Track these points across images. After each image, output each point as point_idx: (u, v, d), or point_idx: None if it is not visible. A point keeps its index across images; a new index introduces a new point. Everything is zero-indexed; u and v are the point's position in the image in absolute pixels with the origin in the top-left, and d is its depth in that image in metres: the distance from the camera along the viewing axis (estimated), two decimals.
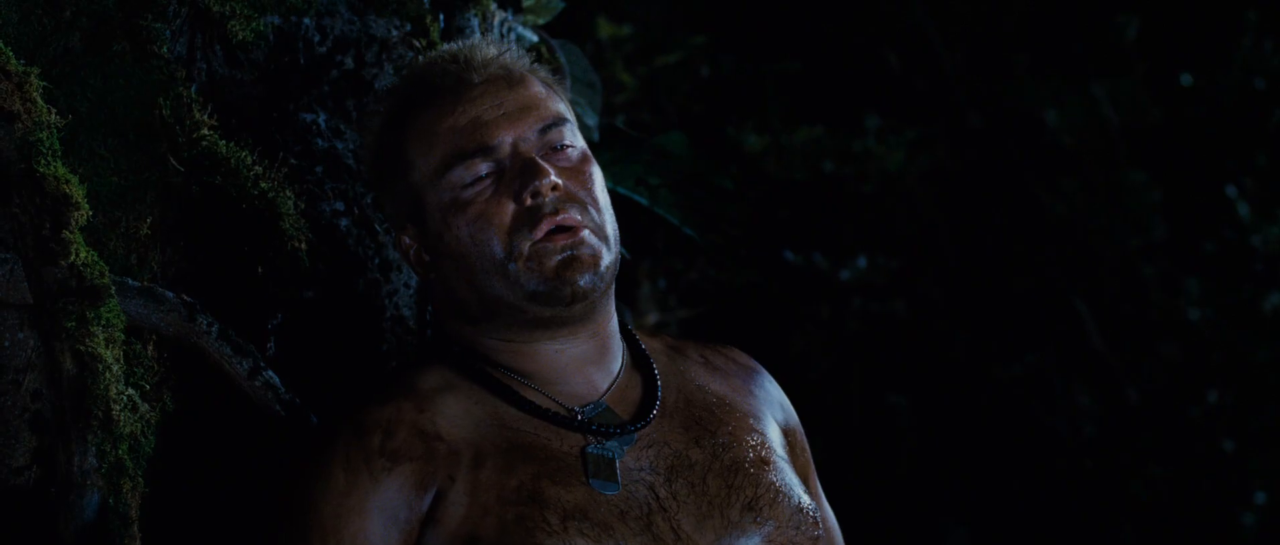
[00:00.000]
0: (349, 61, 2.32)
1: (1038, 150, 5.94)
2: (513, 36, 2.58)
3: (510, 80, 2.01)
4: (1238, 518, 5.54)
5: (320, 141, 2.28)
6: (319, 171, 2.28)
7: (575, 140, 2.01)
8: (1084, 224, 5.78)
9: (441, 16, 2.40)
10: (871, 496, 5.67)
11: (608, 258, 1.98)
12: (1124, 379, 5.72)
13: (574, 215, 1.95)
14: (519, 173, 1.95)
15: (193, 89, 2.14)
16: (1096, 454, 5.69)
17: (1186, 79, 5.93)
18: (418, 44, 2.36)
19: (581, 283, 1.95)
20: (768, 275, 5.66)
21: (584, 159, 2.01)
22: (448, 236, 1.98)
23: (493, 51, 2.03)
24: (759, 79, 5.74)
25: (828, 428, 5.70)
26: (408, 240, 2.04)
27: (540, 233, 1.94)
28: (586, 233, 1.95)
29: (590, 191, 1.99)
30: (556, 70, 2.58)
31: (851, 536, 2.22)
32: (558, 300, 1.95)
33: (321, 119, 2.29)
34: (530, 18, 2.65)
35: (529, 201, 1.94)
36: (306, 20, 2.28)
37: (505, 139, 1.97)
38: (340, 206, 2.29)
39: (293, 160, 2.24)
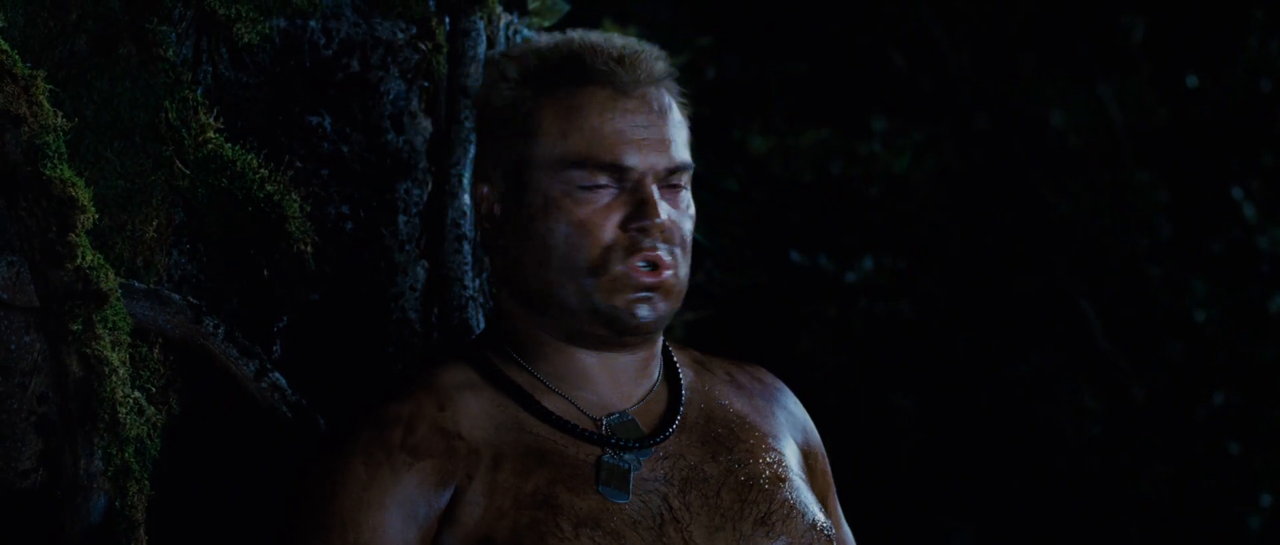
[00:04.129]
0: (355, 64, 2.32)
1: (1043, 151, 5.93)
2: (518, 40, 2.58)
3: (663, 105, 2.00)
4: (1243, 520, 5.53)
5: (326, 144, 2.29)
6: (325, 174, 2.28)
7: (689, 185, 2.03)
8: (1089, 224, 5.78)
9: (447, 19, 2.41)
10: (876, 496, 5.67)
11: (675, 305, 2.00)
12: (1129, 379, 5.72)
13: (665, 256, 1.97)
14: (639, 203, 1.96)
15: (199, 92, 2.14)
16: (1101, 454, 5.69)
17: (1192, 80, 5.93)
18: (423, 47, 2.37)
19: (644, 318, 1.96)
20: (773, 276, 5.66)
21: (689, 204, 2.03)
22: (541, 225, 1.97)
23: (659, 66, 2.01)
24: (765, 80, 5.74)
25: (833, 428, 5.68)
26: (487, 189, 2.03)
27: (634, 262, 1.95)
28: (669, 274, 1.97)
29: (686, 238, 2.01)
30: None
31: (857, 536, 2.22)
32: (617, 327, 1.97)
33: (327, 122, 2.29)
34: (536, 20, 2.65)
35: (635, 234, 1.95)
36: (312, 23, 2.28)
37: (641, 164, 1.96)
38: (346, 209, 2.29)
39: (299, 163, 2.24)
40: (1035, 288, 5.87)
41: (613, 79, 1.98)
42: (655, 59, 2.01)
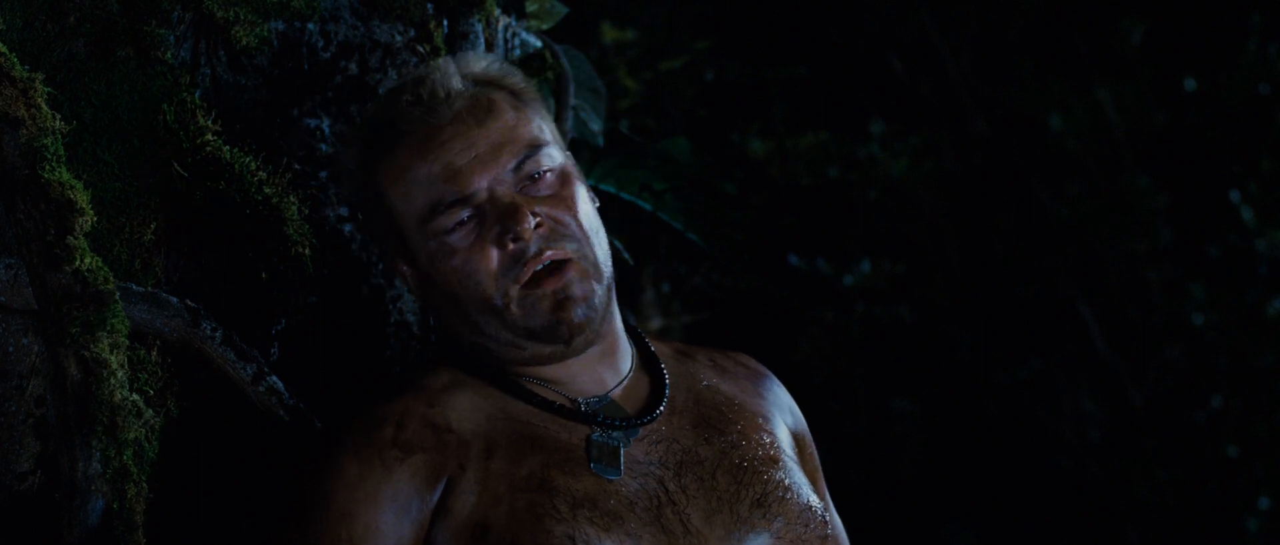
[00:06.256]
0: (353, 67, 2.32)
1: (1042, 155, 5.94)
2: (516, 42, 2.58)
3: (478, 114, 1.98)
4: (1242, 523, 5.53)
5: (324, 147, 2.29)
6: (323, 177, 2.28)
7: (552, 162, 1.98)
8: (1088, 229, 5.78)
9: (445, 22, 2.41)
10: (876, 501, 5.67)
11: (599, 289, 1.97)
12: (1128, 384, 5.72)
13: (564, 249, 1.95)
14: (499, 218, 1.94)
15: (197, 95, 2.14)
16: (1101, 458, 5.69)
17: (1191, 84, 5.93)
18: (422, 49, 2.37)
19: (577, 318, 1.95)
20: (772, 280, 5.66)
21: (564, 181, 1.99)
22: (439, 279, 1.98)
23: (456, 84, 1.99)
24: (763, 84, 5.75)
25: (833, 432, 5.70)
26: (405, 268, 2.04)
27: (525, 278, 1.94)
28: (572, 273, 1.95)
29: (574, 216, 1.97)
30: (545, 69, 2.60)
31: (857, 540, 2.22)
32: (557, 338, 1.96)
33: (326, 124, 2.29)
34: (534, 23, 2.65)
35: (511, 246, 1.93)
36: (311, 26, 2.28)
37: (480, 184, 1.95)
38: (344, 212, 2.30)
39: (297, 166, 2.24)
40: (1034, 292, 5.87)
41: (422, 123, 1.97)
42: (452, 76, 1.99)
